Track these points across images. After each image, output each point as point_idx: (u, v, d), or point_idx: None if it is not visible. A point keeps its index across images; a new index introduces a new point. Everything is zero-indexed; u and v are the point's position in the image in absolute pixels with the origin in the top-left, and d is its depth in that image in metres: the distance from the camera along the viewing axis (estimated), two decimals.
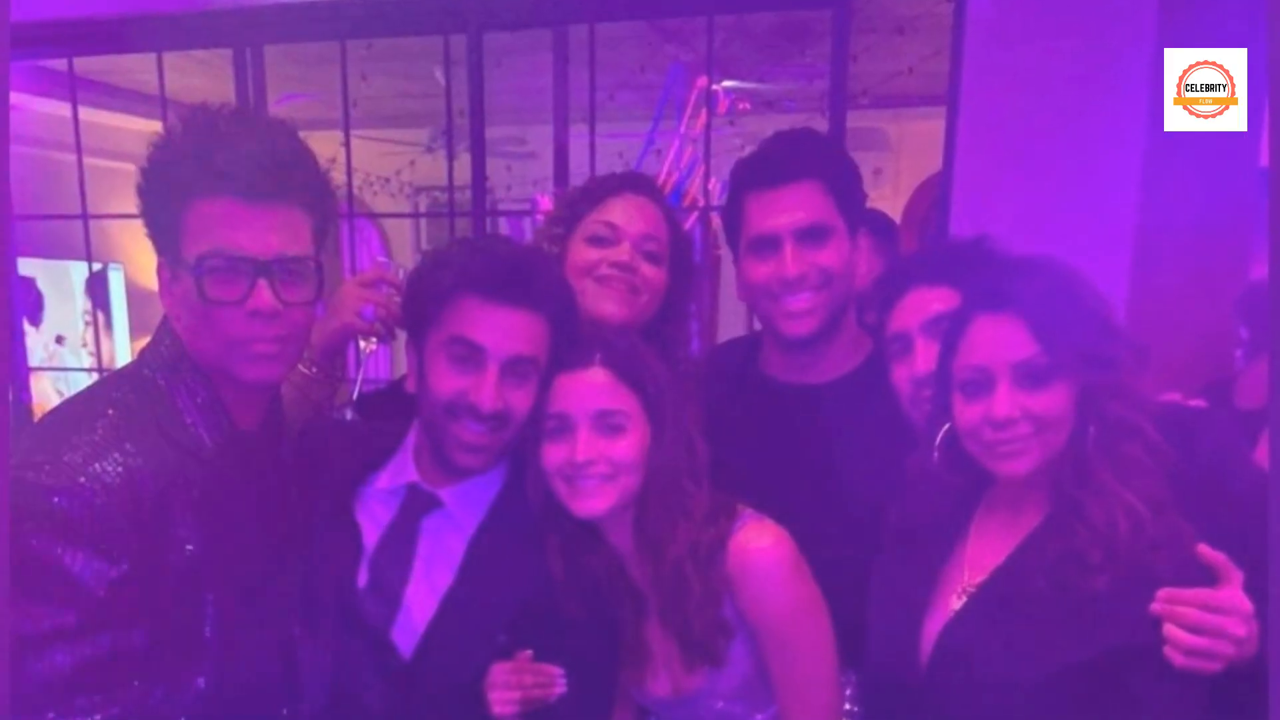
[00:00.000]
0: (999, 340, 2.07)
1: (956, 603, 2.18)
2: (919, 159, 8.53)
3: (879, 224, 4.46)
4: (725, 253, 2.97)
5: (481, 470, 2.44)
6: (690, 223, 5.77)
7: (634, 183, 2.89)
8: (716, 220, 4.02)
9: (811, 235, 2.63)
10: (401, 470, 2.51)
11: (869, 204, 2.92)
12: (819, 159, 2.70)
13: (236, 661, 2.16)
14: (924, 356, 2.42)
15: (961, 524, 2.28)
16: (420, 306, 2.39)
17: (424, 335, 2.39)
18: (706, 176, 4.80)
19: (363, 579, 2.43)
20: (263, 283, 2.07)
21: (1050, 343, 2.03)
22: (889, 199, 8.60)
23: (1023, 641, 2.04)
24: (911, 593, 2.26)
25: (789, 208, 2.63)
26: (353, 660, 2.39)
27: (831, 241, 2.66)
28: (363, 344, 2.82)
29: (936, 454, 2.24)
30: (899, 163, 9.13)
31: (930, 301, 2.46)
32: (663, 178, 7.82)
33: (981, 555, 2.21)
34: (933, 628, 2.19)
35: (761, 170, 2.70)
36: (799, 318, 2.68)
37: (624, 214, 2.79)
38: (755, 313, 2.86)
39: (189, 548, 2.06)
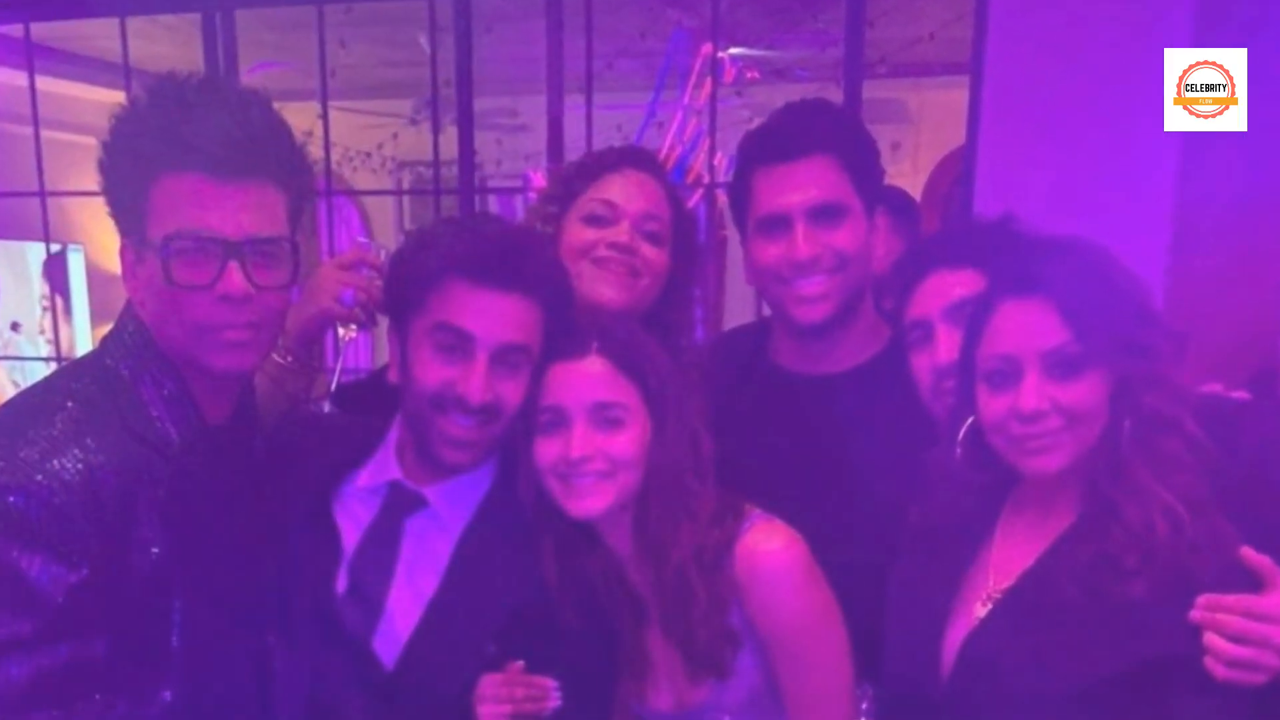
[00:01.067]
0: (1027, 327, 2.07)
1: (981, 610, 2.18)
2: (940, 132, 8.52)
3: (897, 202, 4.47)
4: (732, 233, 2.97)
5: (469, 467, 2.44)
6: (694, 201, 5.74)
7: (634, 158, 2.89)
8: (723, 198, 4.00)
9: (825, 214, 2.63)
10: (383, 467, 2.51)
11: (887, 180, 2.92)
12: (833, 132, 2.70)
13: (206, 673, 2.17)
14: (946, 345, 2.42)
15: (986, 525, 2.28)
16: (403, 291, 2.39)
17: (408, 322, 2.38)
18: (712, 151, 4.79)
19: (341, 584, 2.43)
20: (234, 265, 2.07)
21: (1082, 330, 2.02)
22: (908, 175, 8.57)
23: (1052, 652, 2.04)
24: (932, 599, 2.26)
25: (801, 184, 2.63)
26: (331, 672, 2.39)
27: (846, 221, 2.65)
28: (341, 331, 2.82)
29: (959, 450, 2.24)
30: (919, 136, 9.12)
31: (953, 285, 2.46)
32: (665, 152, 7.80)
33: (1008, 559, 2.20)
34: (955, 637, 2.18)
35: (771, 144, 2.70)
36: (811, 303, 2.68)
37: (623, 191, 2.79)
38: (764, 298, 2.86)
39: (154, 551, 2.06)
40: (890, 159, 3.50)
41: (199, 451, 2.19)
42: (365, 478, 2.52)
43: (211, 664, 2.18)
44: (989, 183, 3.58)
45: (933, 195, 8.76)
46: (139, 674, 2.07)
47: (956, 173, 5.24)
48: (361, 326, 2.79)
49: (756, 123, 2.84)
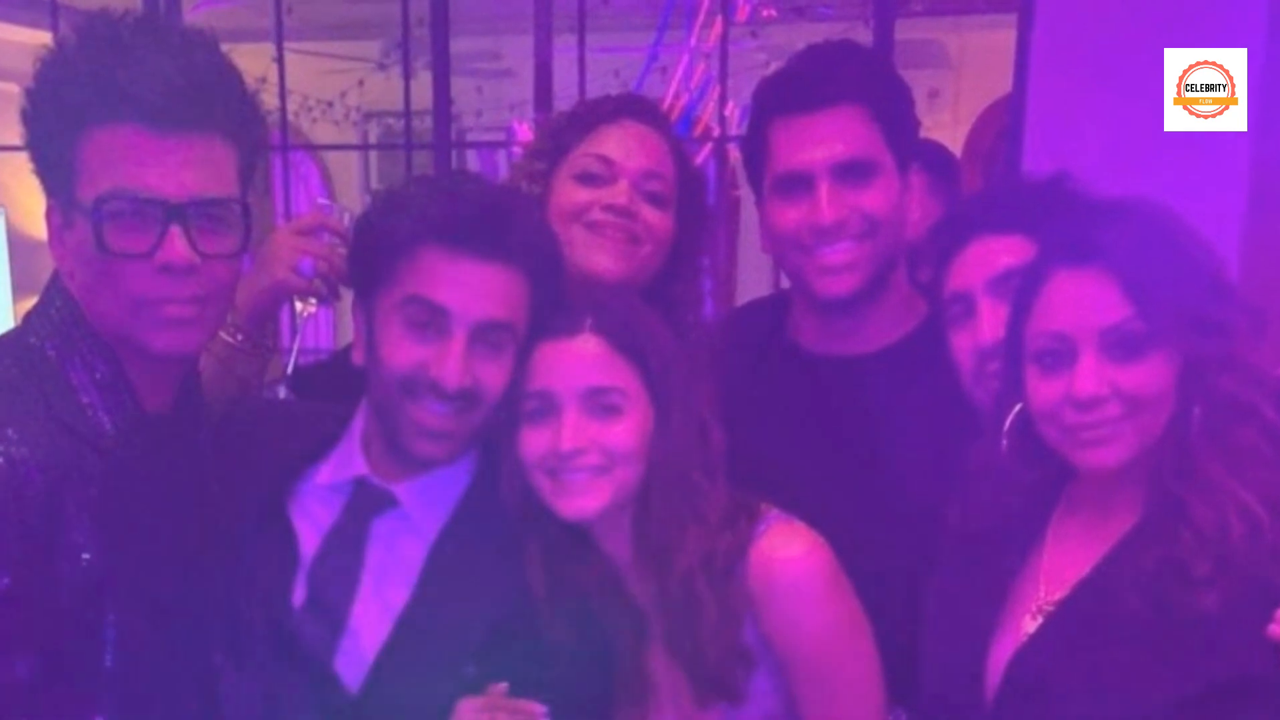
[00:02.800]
0: (1083, 301, 2.06)
1: (1030, 624, 2.18)
2: (984, 78, 8.51)
3: (935, 158, 4.46)
4: (746, 193, 2.97)
5: (445, 461, 2.43)
6: (702, 157, 5.76)
7: (633, 108, 2.89)
8: (735, 154, 3.99)
9: (852, 172, 2.63)
10: (347, 462, 2.51)
11: (923, 133, 2.91)
12: (861, 78, 2.69)
13: (144, 697, 2.17)
14: (990, 321, 2.42)
15: (1036, 528, 2.28)
16: (370, 260, 2.39)
17: (375, 295, 2.38)
18: (723, 100, 4.79)
19: (299, 596, 2.43)
20: (176, 230, 2.05)
21: (1146, 304, 2.02)
22: (947, 127, 8.59)
23: (1111, 672, 2.04)
24: (975, 612, 2.26)
25: (824, 138, 2.63)
26: (286, 695, 2.39)
27: (877, 180, 2.65)
28: (299, 306, 2.82)
29: (1005, 441, 2.24)
30: (960, 83, 9.12)
31: (998, 254, 2.45)
32: (668, 101, 7.81)
33: (1061, 566, 2.20)
34: (1001, 655, 2.18)
35: (790, 92, 2.69)
36: (836, 273, 2.67)
37: (621, 146, 2.78)
38: (783, 267, 2.86)
39: (85, 557, 2.06)
40: (927, 109, 3.50)
41: (136, 444, 2.18)
42: (326, 474, 2.52)
43: (150, 687, 2.18)
44: (1039, 136, 3.58)
45: (975, 150, 8.77)
46: (68, 698, 2.07)
47: (1002, 125, 5.25)
48: (322, 300, 2.78)
49: (774, 68, 2.84)
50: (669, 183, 2.80)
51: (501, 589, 2.38)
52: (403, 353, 2.31)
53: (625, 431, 2.31)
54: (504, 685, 2.28)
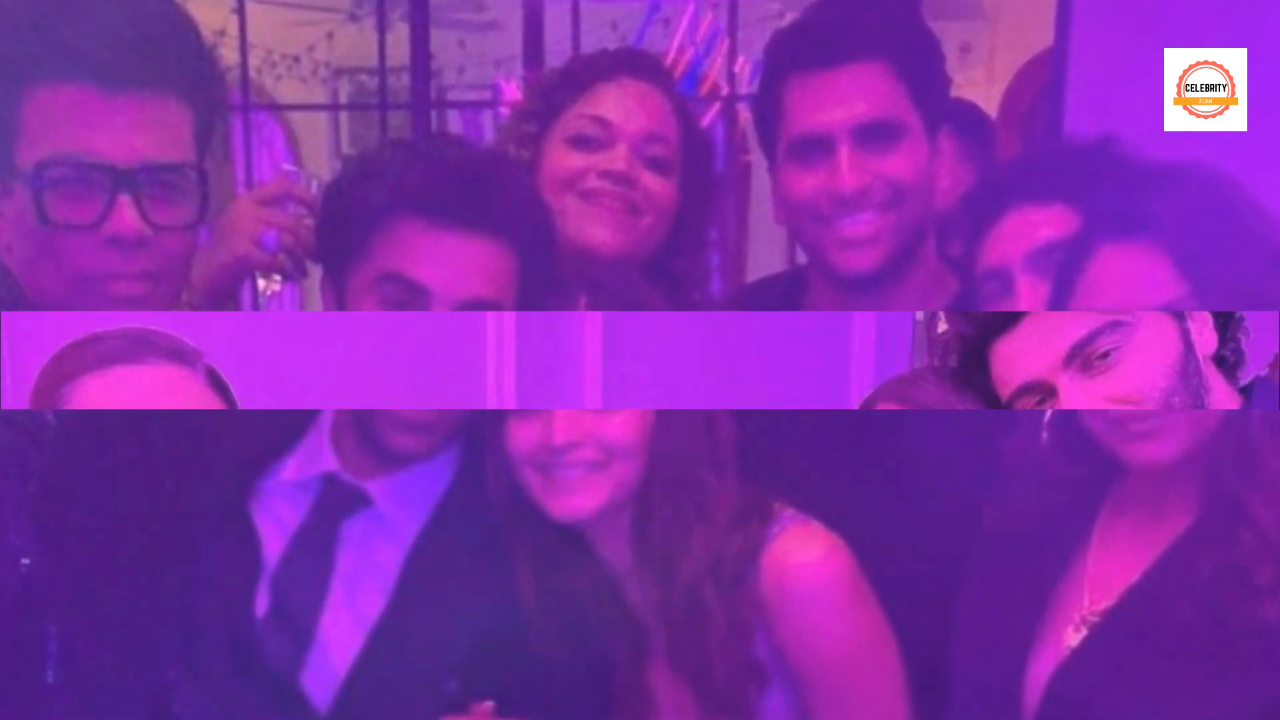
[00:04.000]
0: (1132, 278, 2.05)
1: (1074, 636, 2.17)
2: (1021, 31, 8.50)
3: (967, 119, 4.46)
4: (758, 158, 2.96)
5: (424, 457, 2.44)
6: (710, 118, 5.75)
7: (633, 63, 2.89)
8: (746, 114, 3.99)
9: (875, 135, 2.62)
10: (314, 456, 2.50)
11: (954, 92, 2.91)
12: (886, 30, 2.69)
13: (90, 716, 2.16)
14: (1029, 300, 2.41)
15: (1080, 530, 2.27)
16: (341, 232, 2.38)
17: (346, 272, 2.38)
18: (732, 54, 4.79)
19: (262, 604, 2.43)
20: (125, 199, 2.05)
21: (1201, 282, 2.01)
22: (981, 85, 8.56)
23: (1163, 688, 2.03)
24: (1012, 623, 2.25)
25: (845, 97, 2.62)
26: (249, 714, 2.39)
27: (902, 143, 2.65)
28: (262, 283, 2.82)
29: (1046, 435, 2.23)
30: (995, 36, 9.11)
31: (1038, 225, 2.45)
32: (672, 56, 7.79)
33: (1108, 573, 2.19)
34: (1041, 670, 2.18)
35: (807, 46, 2.69)
36: (858, 247, 2.67)
37: (619, 106, 2.78)
38: (798, 240, 2.86)
39: (24, 562, 2.06)
40: (959, 65, 3.50)
41: (81, 436, 2.18)
42: (292, 469, 2.52)
43: (97, 705, 2.18)
44: (1083, 94, 3.57)
45: (1012, 111, 8.75)
46: (5, 718, 2.06)
47: (1042, 82, 5.24)
48: (287, 277, 2.78)
49: (789, 19, 2.83)
50: (672, 146, 2.80)
51: (486, 597, 2.37)
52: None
53: (624, 422, 2.30)
54: (490, 703, 2.27)
